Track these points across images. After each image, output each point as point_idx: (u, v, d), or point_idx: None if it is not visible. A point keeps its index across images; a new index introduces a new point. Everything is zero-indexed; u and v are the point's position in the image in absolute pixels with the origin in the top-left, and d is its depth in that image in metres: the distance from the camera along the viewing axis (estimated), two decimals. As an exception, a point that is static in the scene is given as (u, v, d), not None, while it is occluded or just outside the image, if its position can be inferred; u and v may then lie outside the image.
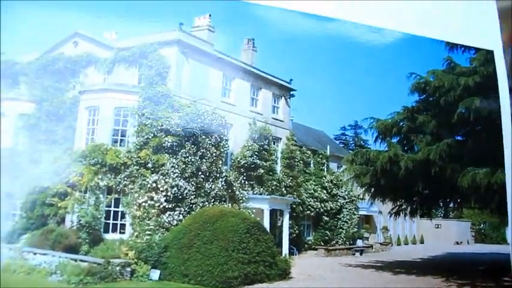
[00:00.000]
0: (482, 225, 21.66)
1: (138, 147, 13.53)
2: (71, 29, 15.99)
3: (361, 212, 22.38)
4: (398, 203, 16.76)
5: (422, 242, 27.61)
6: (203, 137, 14.25)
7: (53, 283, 11.21)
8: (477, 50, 13.22)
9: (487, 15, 9.69)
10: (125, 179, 13.30)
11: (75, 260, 11.66)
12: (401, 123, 15.08)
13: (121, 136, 13.85)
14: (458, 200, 16.03)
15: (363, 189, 16.47)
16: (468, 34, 10.51)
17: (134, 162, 13.38)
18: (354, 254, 20.14)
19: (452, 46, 14.13)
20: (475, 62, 13.65)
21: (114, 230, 13.24)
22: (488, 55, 10.73)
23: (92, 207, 12.92)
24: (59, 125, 14.96)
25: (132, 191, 13.25)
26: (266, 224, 14.92)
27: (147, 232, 12.96)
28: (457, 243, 23.35)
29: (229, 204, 15.25)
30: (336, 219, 20.56)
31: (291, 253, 16.37)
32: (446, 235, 23.61)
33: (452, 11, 10.14)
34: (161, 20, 14.05)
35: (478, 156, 13.00)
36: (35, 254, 11.87)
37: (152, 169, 13.39)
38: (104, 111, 13.93)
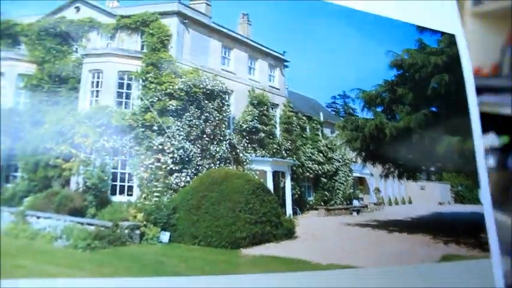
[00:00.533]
0: (460, 187, 19.67)
1: (143, 110, 9.98)
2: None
3: (355, 174, 18.72)
4: (387, 167, 14.00)
5: (410, 202, 24.95)
6: (206, 101, 10.89)
7: (58, 248, 7.82)
8: (442, 33, 11.28)
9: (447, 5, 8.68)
10: (131, 140, 9.70)
11: (82, 224, 8.15)
12: (383, 95, 12.50)
13: (125, 99, 10.20)
14: (438, 164, 13.97)
15: (355, 153, 13.79)
16: (434, 20, 9.25)
17: (140, 125, 9.82)
18: (352, 214, 16.58)
19: (422, 29, 12.10)
20: (442, 44, 11.31)
21: (121, 192, 9.63)
22: (452, 38, 9.14)
23: (98, 169, 9.31)
24: (62, 86, 10.82)
25: (138, 153, 9.63)
26: (270, 185, 11.97)
27: (155, 194, 9.52)
28: (440, 203, 21.34)
29: (234, 166, 11.91)
30: (333, 181, 17.15)
31: (294, 213, 13.25)
32: (431, 196, 21.48)
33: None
34: None
35: (451, 126, 10.92)
36: (38, 217, 8.21)
37: (158, 131, 9.91)
38: (107, 74, 10.31)
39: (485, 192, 8.69)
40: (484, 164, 8.62)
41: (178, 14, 11.24)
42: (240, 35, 13.33)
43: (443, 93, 10.89)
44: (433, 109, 12.33)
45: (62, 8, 12.01)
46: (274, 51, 14.68)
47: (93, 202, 8.86)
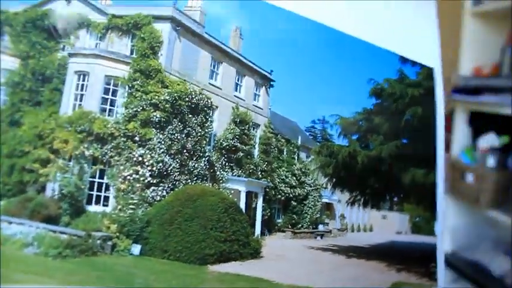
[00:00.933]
0: (417, 218, 20.94)
1: (127, 119, 10.33)
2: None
3: (323, 200, 20.06)
4: (354, 194, 15.25)
5: (371, 230, 26.66)
6: (190, 115, 11.29)
7: (29, 255, 8.28)
8: (421, 66, 12.38)
9: (430, 33, 9.04)
10: (112, 150, 10.10)
11: (54, 232, 8.55)
12: (360, 123, 13.53)
13: (110, 105, 10.50)
14: (401, 195, 15.06)
15: (326, 179, 15.03)
16: (415, 51, 9.71)
17: (122, 134, 10.20)
18: (316, 238, 18.06)
19: (404, 60, 13.10)
20: (420, 76, 12.34)
21: (97, 202, 10.03)
22: (430, 72, 9.81)
23: (75, 177, 9.68)
24: (45, 86, 11.17)
25: (118, 163, 10.04)
26: (242, 205, 12.55)
27: (131, 206, 9.90)
28: (398, 233, 22.75)
29: (210, 184, 12.42)
30: (302, 205, 18.24)
31: (262, 234, 13.98)
32: (390, 225, 22.98)
33: (402, 28, 9.34)
34: None
35: (418, 158, 11.83)
36: (10, 223, 8.49)
37: (139, 143, 10.29)
38: (94, 77, 10.49)
39: (440, 226, 9.63)
40: (442, 198, 9.52)
41: (172, 20, 11.51)
42: (231, 49, 13.81)
43: (415, 126, 11.80)
44: (404, 141, 13.38)
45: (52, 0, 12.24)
46: (262, 69, 15.32)
47: (67, 210, 9.20)
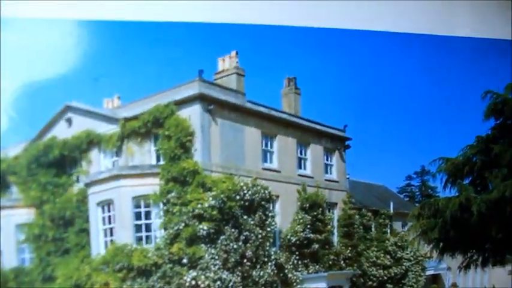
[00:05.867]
0: None
1: (168, 241, 15.33)
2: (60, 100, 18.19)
3: (428, 272, 25.74)
4: (469, 255, 18.91)
5: None
6: (244, 217, 16.10)
7: None
8: None
9: None
10: (158, 281, 15.13)
11: None
12: (474, 159, 17.17)
13: (146, 231, 15.75)
14: None
15: (431, 246, 18.75)
16: None
17: (166, 260, 15.19)
18: None
19: None
20: None
21: None
22: None
23: None
24: (69, 230, 17.09)
25: None
26: None
27: None
28: None
29: None
30: (400, 285, 23.68)
31: None
32: None
33: None
34: (174, 70, 16.32)
35: None
36: None
37: (189, 265, 15.17)
38: (119, 204, 15.78)
39: None
40: None
41: (201, 98, 16.19)
42: (285, 113, 18.40)
43: None
44: None
45: (51, 124, 17.15)
46: (332, 127, 19.82)
47: None
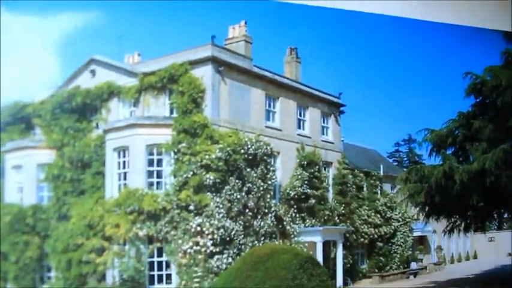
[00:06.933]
0: None
1: (177, 188, 14.11)
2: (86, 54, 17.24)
3: (415, 234, 24.60)
4: (452, 220, 17.99)
5: (475, 257, 30.75)
6: (248, 169, 14.96)
7: None
8: None
9: None
10: (166, 225, 13.92)
11: None
12: (456, 132, 15.91)
13: (157, 178, 14.49)
14: None
15: (417, 208, 17.90)
16: None
17: (174, 206, 13.97)
18: (408, 277, 22.02)
19: (510, 36, 14.66)
20: None
21: (159, 281, 13.94)
22: None
23: (133, 260, 13.61)
24: (86, 172, 15.92)
25: (175, 237, 13.85)
26: (319, 257, 15.98)
27: (196, 280, 13.58)
28: (510, 254, 25.36)
29: (280, 241, 16.08)
30: (390, 244, 22.56)
31: (345, 284, 17.57)
32: (500, 247, 25.41)
33: None
34: (190, 34, 14.84)
35: None
36: None
37: (195, 211, 13.97)
38: (134, 150, 14.53)
39: None
40: None
41: (213, 60, 15.18)
42: (287, 78, 17.51)
43: None
44: None
45: (76, 75, 16.84)
46: (329, 94, 18.49)
47: None
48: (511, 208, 17.21)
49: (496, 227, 28.43)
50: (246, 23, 17.30)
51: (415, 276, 22.07)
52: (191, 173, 14.19)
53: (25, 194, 16.23)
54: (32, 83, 15.19)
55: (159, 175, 14.61)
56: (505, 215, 19.37)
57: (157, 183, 14.54)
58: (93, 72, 16.98)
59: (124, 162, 14.81)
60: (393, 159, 22.19)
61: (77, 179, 15.77)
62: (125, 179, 14.69)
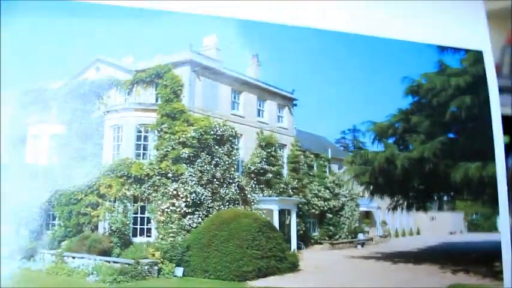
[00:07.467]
0: (474, 215, 23.73)
1: (159, 159, 16.16)
2: (93, 55, 18.67)
3: (361, 209, 24.99)
4: (395, 199, 18.82)
5: (418, 233, 30.09)
6: (216, 147, 17.02)
7: (90, 283, 13.57)
8: (467, 51, 14.19)
9: (475, 16, 10.57)
10: (149, 188, 15.93)
11: (109, 262, 14.47)
12: (396, 125, 16.98)
13: (143, 150, 16.65)
14: (452, 194, 18.12)
15: (363, 187, 18.86)
16: (457, 36, 11.35)
17: (156, 173, 16.02)
18: (356, 247, 22.74)
19: (443, 49, 15.61)
20: (465, 63, 15.03)
21: (141, 234, 15.97)
22: (478, 55, 11.65)
23: (121, 215, 15.62)
24: (88, 143, 17.72)
25: (155, 198, 15.88)
26: (276, 222, 17.58)
27: (171, 234, 15.57)
28: (451, 233, 25.79)
29: (242, 207, 17.92)
30: (338, 216, 23.43)
31: (299, 248, 18.81)
32: (441, 226, 26.05)
33: (440, 14, 11.09)
34: (173, 42, 16.32)
35: (470, 152, 14.73)
36: (73, 258, 14.75)
37: (172, 178, 16.00)
38: (126, 128, 16.83)
39: (504, 220, 11.48)
40: (505, 190, 12.00)
41: (191, 62, 17.60)
42: (249, 77, 19.75)
43: (463, 118, 14.78)
44: (450, 135, 15.84)
45: (84, 70, 18.56)
46: (283, 91, 20.76)
47: (117, 243, 15.35)
48: (449, 192, 17.86)
49: (436, 208, 28.99)
50: (217, 35, 18.43)
51: (362, 246, 22.85)
52: (170, 147, 16.15)
53: (40, 158, 17.26)
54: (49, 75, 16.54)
55: (145, 148, 16.61)
56: (445, 198, 20.01)
57: (143, 154, 16.53)
58: (97, 68, 18.73)
59: (118, 136, 16.86)
60: (340, 145, 23.32)
61: (81, 148, 17.14)
62: (118, 150, 16.70)
